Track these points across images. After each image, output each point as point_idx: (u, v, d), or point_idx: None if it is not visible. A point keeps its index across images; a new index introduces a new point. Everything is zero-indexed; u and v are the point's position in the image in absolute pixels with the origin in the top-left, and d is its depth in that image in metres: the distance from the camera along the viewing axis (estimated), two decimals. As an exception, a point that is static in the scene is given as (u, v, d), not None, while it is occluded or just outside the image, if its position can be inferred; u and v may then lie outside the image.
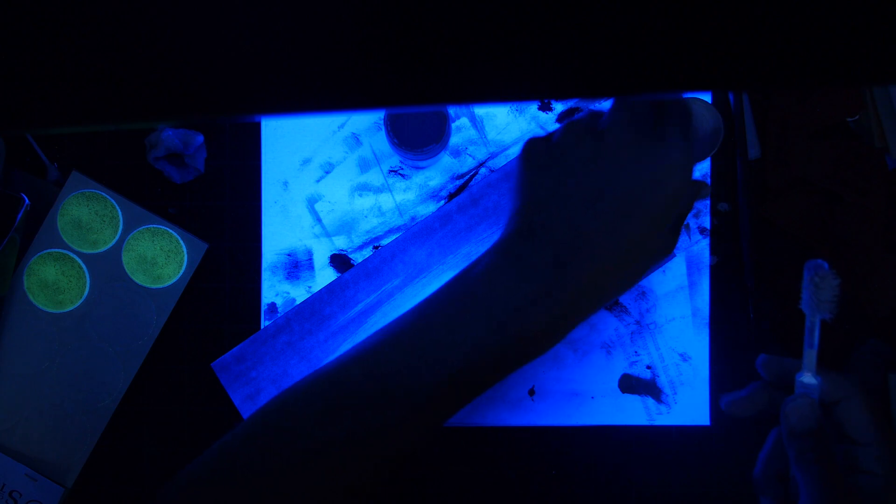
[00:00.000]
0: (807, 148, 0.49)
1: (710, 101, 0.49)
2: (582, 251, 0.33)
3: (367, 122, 0.50)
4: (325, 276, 0.49)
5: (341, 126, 0.50)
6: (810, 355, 0.36)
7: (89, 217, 0.48)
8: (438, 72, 0.19)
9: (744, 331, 0.49)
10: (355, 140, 0.50)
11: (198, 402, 0.50)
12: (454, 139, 0.50)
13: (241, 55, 0.18)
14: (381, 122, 0.44)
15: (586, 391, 0.49)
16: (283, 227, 0.50)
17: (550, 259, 0.33)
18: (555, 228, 0.33)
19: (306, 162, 0.50)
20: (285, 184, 0.50)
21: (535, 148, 0.35)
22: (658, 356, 0.49)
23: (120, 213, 0.48)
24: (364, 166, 0.50)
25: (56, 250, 0.48)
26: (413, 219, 0.49)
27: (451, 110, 0.49)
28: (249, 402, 0.49)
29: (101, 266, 0.49)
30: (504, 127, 0.50)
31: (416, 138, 0.44)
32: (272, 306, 0.49)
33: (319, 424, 0.33)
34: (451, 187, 0.50)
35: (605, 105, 0.49)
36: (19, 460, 0.48)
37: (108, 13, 0.17)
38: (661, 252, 0.35)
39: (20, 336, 0.49)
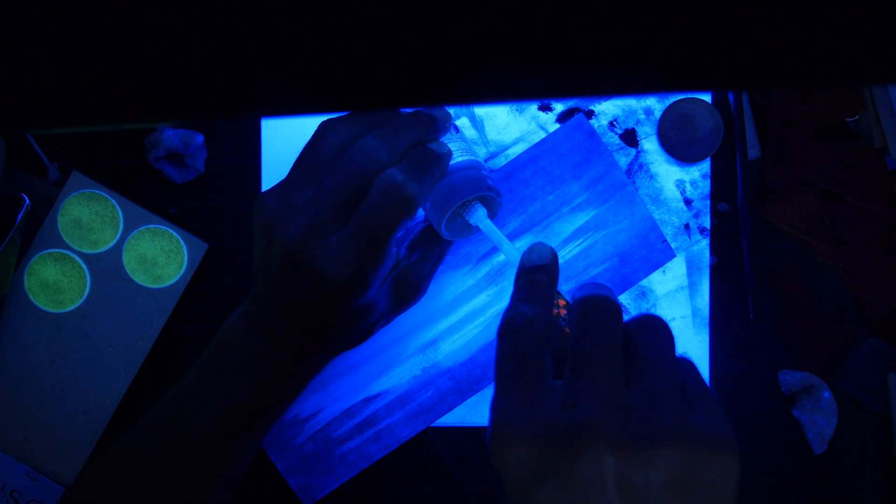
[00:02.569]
0: (807, 148, 0.49)
1: (710, 101, 0.49)
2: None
3: (367, 122, 0.50)
4: (325, 276, 0.49)
5: (341, 126, 0.50)
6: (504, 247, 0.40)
7: (90, 217, 0.48)
8: (438, 72, 0.19)
9: (744, 331, 0.49)
10: (355, 140, 0.50)
11: (198, 402, 0.50)
12: (454, 139, 0.50)
13: (241, 55, 0.18)
14: None
15: (586, 391, 0.49)
16: (284, 227, 0.50)
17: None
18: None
19: (306, 162, 0.50)
20: (285, 184, 0.50)
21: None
22: (658, 356, 0.49)
23: (120, 213, 0.49)
24: (364, 166, 0.50)
25: (56, 250, 0.48)
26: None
27: (454, 110, 0.49)
28: (249, 402, 0.49)
29: (102, 266, 0.49)
30: (504, 127, 0.50)
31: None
32: (272, 306, 0.49)
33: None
34: (451, 187, 0.50)
35: None
36: (19, 460, 0.48)
37: (108, 12, 0.17)
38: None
39: (20, 336, 0.49)
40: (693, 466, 0.25)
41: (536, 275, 0.31)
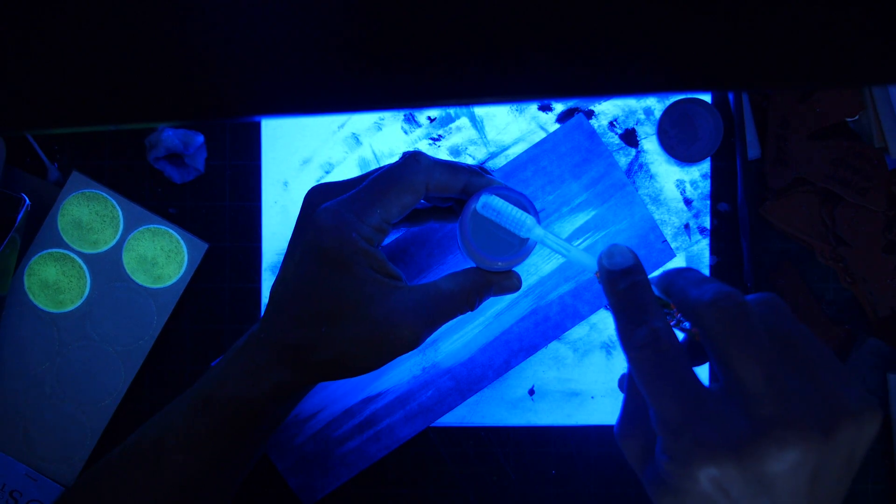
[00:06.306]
0: (807, 148, 0.49)
1: (710, 101, 0.49)
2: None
3: (367, 123, 0.50)
4: (325, 276, 0.49)
5: (341, 126, 0.50)
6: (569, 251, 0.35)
7: (90, 217, 0.48)
8: (439, 72, 0.19)
9: (744, 331, 0.49)
10: (355, 140, 0.50)
11: (198, 402, 0.50)
12: (454, 139, 0.50)
13: (241, 55, 0.18)
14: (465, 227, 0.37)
15: (586, 391, 0.49)
16: (284, 227, 0.50)
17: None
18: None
19: (306, 162, 0.50)
20: (285, 184, 0.50)
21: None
22: (658, 356, 0.49)
23: (120, 213, 0.49)
24: (364, 166, 0.50)
25: (56, 250, 0.48)
26: (413, 219, 0.49)
27: (453, 110, 0.49)
28: (249, 402, 0.49)
29: (102, 266, 0.49)
30: (504, 127, 0.50)
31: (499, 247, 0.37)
32: (272, 306, 0.49)
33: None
34: (451, 187, 0.49)
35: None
36: (19, 460, 0.48)
37: (110, 13, 0.17)
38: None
39: (20, 336, 0.49)
40: (861, 434, 0.26)
41: (634, 278, 0.30)
